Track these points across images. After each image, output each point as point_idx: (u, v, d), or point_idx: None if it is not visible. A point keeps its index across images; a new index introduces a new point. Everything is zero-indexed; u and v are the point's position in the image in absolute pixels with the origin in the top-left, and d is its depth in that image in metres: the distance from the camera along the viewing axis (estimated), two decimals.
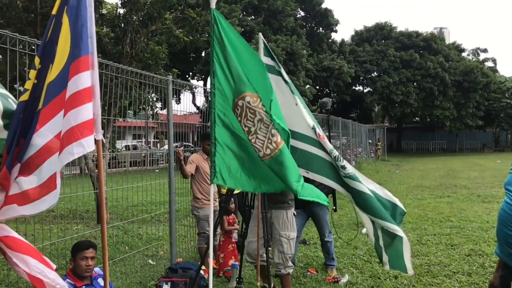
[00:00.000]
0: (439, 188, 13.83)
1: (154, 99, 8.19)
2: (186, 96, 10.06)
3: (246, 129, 3.36)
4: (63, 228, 7.35)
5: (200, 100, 27.92)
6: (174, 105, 5.84)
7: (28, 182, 2.21)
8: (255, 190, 3.52)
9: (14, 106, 2.36)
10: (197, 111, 20.06)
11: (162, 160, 13.82)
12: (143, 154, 13.53)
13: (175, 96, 5.71)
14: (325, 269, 5.67)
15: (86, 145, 2.22)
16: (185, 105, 8.30)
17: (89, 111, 2.25)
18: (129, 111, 8.77)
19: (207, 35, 15.33)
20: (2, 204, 2.22)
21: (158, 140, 20.77)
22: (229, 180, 3.42)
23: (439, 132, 43.90)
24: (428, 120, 40.56)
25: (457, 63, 39.06)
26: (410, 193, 12.86)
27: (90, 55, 2.35)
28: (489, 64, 43.39)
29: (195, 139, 10.53)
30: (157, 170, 10.38)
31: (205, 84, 28.01)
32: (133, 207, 9.32)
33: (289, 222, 4.34)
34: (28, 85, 2.37)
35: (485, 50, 44.79)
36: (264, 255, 4.19)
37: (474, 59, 42.93)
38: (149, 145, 24.68)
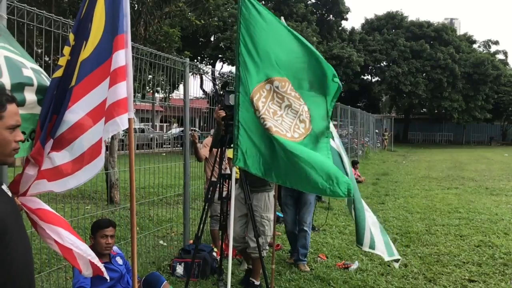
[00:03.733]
0: (446, 180, 13.82)
1: (166, 81, 8.18)
2: (195, 80, 10.02)
3: (272, 110, 3.33)
4: (73, 208, 7.42)
5: (208, 85, 27.89)
6: (182, 89, 5.80)
7: (61, 158, 2.24)
8: (267, 178, 3.50)
9: (47, 82, 2.37)
10: (204, 96, 20.02)
11: (169, 144, 13.87)
12: (151, 136, 13.62)
13: (181, 81, 5.69)
14: (296, 265, 5.29)
15: (121, 123, 2.24)
16: (193, 90, 8.26)
17: (123, 89, 2.27)
18: (137, 94, 8.75)
19: (216, 19, 15.26)
20: (34, 178, 2.26)
21: (169, 123, 20.78)
22: (249, 164, 3.38)
23: (446, 124, 43.70)
24: (436, 111, 40.32)
25: (467, 54, 38.66)
26: (418, 183, 12.85)
27: (125, 34, 2.35)
28: (500, 56, 43.06)
29: (201, 124, 10.51)
30: (164, 154, 10.43)
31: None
32: (142, 189, 9.39)
33: (270, 204, 4.45)
34: (62, 61, 2.38)
35: (496, 42, 44.43)
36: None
37: (485, 51, 42.50)
38: (155, 128, 24.74)
